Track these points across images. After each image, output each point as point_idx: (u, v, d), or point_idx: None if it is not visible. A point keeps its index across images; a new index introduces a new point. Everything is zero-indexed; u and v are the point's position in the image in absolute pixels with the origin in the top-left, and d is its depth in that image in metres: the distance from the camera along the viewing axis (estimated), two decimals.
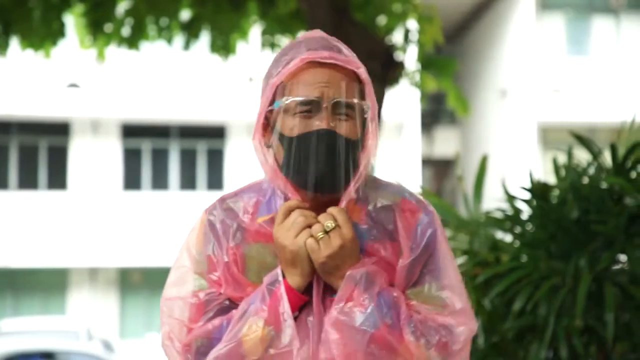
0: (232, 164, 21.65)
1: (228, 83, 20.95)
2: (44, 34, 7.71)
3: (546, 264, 3.50)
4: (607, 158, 3.63)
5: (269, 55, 8.80)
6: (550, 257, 3.54)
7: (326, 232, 1.84)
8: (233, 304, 1.90)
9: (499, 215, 3.84)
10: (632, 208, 3.45)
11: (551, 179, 3.80)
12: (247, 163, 21.39)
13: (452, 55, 17.70)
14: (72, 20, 8.41)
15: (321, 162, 1.85)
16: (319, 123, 1.85)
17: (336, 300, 1.83)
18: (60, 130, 21.47)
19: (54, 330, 15.56)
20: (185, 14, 8.28)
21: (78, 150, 21.39)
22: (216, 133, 21.80)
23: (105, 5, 7.80)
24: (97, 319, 20.93)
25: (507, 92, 20.87)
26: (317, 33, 1.97)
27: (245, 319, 1.83)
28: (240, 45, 8.56)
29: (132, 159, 21.67)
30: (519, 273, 3.47)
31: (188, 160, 21.78)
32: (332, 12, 7.05)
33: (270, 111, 1.92)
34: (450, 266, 1.95)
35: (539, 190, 3.63)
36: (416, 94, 9.20)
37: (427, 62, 8.62)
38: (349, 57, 1.90)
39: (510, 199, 3.77)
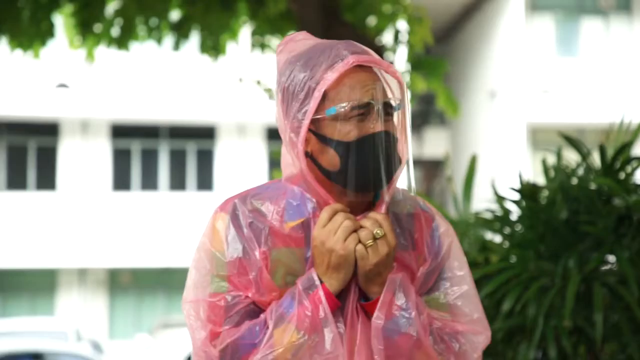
0: (221, 164, 21.63)
1: (218, 83, 20.93)
2: (33, 34, 7.69)
3: (535, 264, 3.51)
4: (596, 159, 3.64)
5: (259, 56, 8.81)
6: (539, 257, 3.55)
7: (374, 239, 1.83)
8: (258, 308, 1.87)
9: (488, 215, 3.85)
10: (620, 209, 3.46)
11: (540, 180, 3.81)
12: (237, 163, 21.38)
13: (442, 56, 17.72)
14: (61, 21, 8.39)
15: (381, 162, 1.85)
16: (373, 126, 1.85)
17: (379, 305, 1.83)
18: (49, 130, 21.41)
19: (43, 331, 15.51)
20: (174, 14, 8.27)
21: (67, 151, 21.34)
22: (206, 133, 21.78)
23: (94, 5, 7.78)
24: (86, 319, 20.88)
25: (497, 93, 20.90)
26: (348, 41, 1.95)
27: (285, 325, 1.81)
28: (230, 46, 8.56)
29: (121, 159, 21.63)
30: (508, 273, 3.47)
31: (178, 161, 21.75)
32: (322, 13, 7.05)
33: (314, 118, 1.87)
34: (467, 275, 1.98)
35: (528, 191, 3.64)
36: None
37: (417, 63, 8.63)
38: (386, 61, 1.91)
39: (500, 199, 3.77)
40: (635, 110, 13.38)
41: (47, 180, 21.39)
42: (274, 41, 8.48)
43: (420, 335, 1.83)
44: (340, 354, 1.81)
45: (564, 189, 3.55)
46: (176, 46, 8.22)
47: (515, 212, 3.74)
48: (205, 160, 21.82)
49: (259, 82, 8.32)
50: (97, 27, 7.96)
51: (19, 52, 7.90)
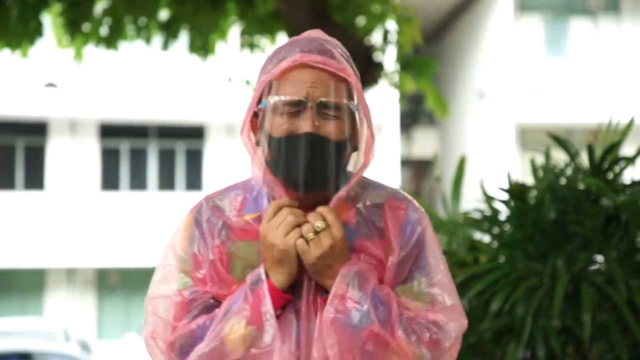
0: (211, 164, 21.60)
1: (207, 83, 20.90)
2: (21, 34, 7.66)
3: (524, 264, 3.51)
4: (584, 159, 3.65)
5: (248, 56, 8.80)
6: (528, 257, 3.55)
7: (316, 233, 1.84)
8: (217, 302, 1.90)
9: (477, 215, 3.86)
10: (608, 209, 3.47)
11: (529, 180, 3.82)
12: (226, 163, 21.36)
13: (431, 56, 17.74)
14: (49, 20, 8.37)
15: (305, 163, 1.85)
16: (304, 123, 1.86)
17: (330, 299, 1.83)
18: (37, 130, 21.35)
19: (31, 331, 15.47)
20: (163, 14, 8.26)
21: (55, 150, 21.28)
22: (195, 133, 21.75)
23: (83, 4, 7.76)
24: (75, 319, 20.83)
25: (486, 93, 20.94)
26: (316, 33, 1.98)
27: (228, 318, 1.83)
28: (219, 46, 8.54)
29: (110, 159, 21.57)
30: (497, 273, 3.48)
31: (166, 161, 21.72)
32: (311, 13, 7.05)
33: (260, 109, 1.92)
34: (440, 263, 1.96)
35: (516, 191, 3.65)
36: (395, 94, 9.22)
37: (406, 63, 8.64)
38: (341, 64, 1.91)
39: (488, 199, 3.78)
40: (624, 110, 13.42)
41: (35, 180, 21.32)
42: (263, 41, 8.48)
43: (376, 328, 1.82)
44: (277, 349, 1.81)
45: (552, 189, 3.55)
46: (165, 46, 8.20)
47: (503, 212, 3.74)
48: (195, 160, 21.78)
49: (248, 82, 8.31)
50: (86, 27, 7.94)
51: (7, 51, 7.88)
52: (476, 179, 5.03)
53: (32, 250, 20.67)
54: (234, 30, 8.85)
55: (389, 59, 8.48)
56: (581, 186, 3.56)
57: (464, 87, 22.24)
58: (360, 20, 8.19)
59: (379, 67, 7.73)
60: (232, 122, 21.37)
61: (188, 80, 21.08)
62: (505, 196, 3.68)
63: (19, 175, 21.32)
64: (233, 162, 21.41)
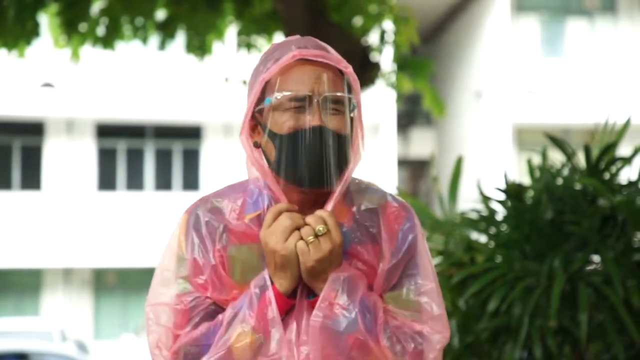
0: (207, 164, 21.59)
1: (204, 83, 20.89)
2: (18, 34, 7.65)
3: (521, 264, 3.51)
4: (581, 159, 3.65)
5: (245, 56, 8.79)
6: (525, 257, 3.56)
7: (316, 236, 1.83)
8: (219, 307, 1.89)
9: (474, 216, 3.86)
10: (605, 209, 3.47)
11: (526, 180, 3.82)
12: (223, 163, 21.34)
13: (428, 56, 17.74)
14: (46, 20, 8.36)
15: (315, 158, 1.84)
16: (310, 118, 1.85)
17: (318, 303, 1.83)
18: (34, 130, 21.32)
19: (28, 331, 15.45)
20: (160, 14, 8.25)
21: (52, 150, 21.26)
22: (192, 133, 21.73)
23: (79, 4, 7.75)
24: (71, 319, 20.81)
25: (482, 93, 20.95)
26: (307, 37, 1.98)
27: (234, 326, 1.82)
28: (216, 46, 8.54)
29: (106, 159, 21.56)
30: (494, 273, 3.48)
31: (163, 161, 21.70)
32: (308, 13, 7.05)
33: (259, 109, 1.90)
34: (430, 272, 1.95)
35: (513, 191, 3.65)
36: (392, 94, 9.22)
37: (403, 63, 8.64)
38: (339, 57, 1.91)
39: (485, 199, 3.78)
40: (620, 110, 13.43)
41: (32, 180, 21.29)
42: (259, 41, 8.47)
43: (362, 335, 1.82)
44: (284, 356, 1.81)
45: (549, 189, 3.56)
46: (162, 46, 8.20)
47: (500, 212, 3.74)
48: (191, 160, 21.77)
49: (245, 82, 8.30)
50: (83, 27, 7.93)
51: (3, 51, 7.87)
52: (473, 179, 5.03)
53: (29, 250, 20.65)
54: (231, 30, 8.85)
55: (386, 59, 8.48)
56: (578, 186, 3.57)
57: (461, 87, 22.25)
58: (357, 20, 8.20)
59: (376, 67, 7.74)
60: (229, 122, 21.36)
61: (185, 81, 21.06)
62: (502, 196, 3.68)
63: (16, 175, 21.29)
64: (230, 162, 21.40)
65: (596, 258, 3.55)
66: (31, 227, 20.72)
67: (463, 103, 22.00)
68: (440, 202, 4.19)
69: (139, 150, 21.62)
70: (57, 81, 20.73)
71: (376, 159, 21.63)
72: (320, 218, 1.84)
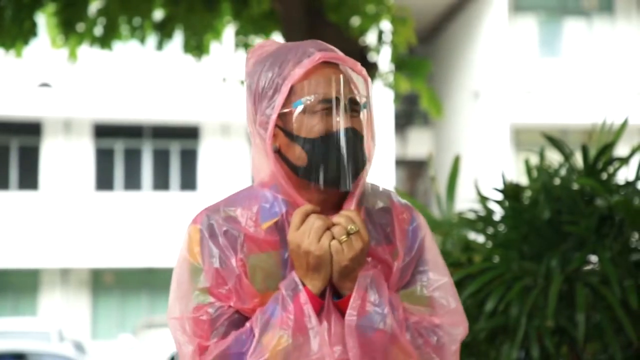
0: (205, 164, 21.59)
1: (201, 83, 20.89)
2: (16, 34, 7.64)
3: (518, 264, 3.51)
4: (578, 159, 3.65)
5: (243, 56, 8.78)
6: (522, 257, 3.56)
7: (347, 235, 1.84)
8: (243, 316, 1.87)
9: (471, 216, 3.86)
10: (602, 209, 3.47)
11: (523, 180, 3.82)
12: (221, 163, 21.34)
13: (426, 56, 17.76)
14: (43, 20, 8.35)
15: (351, 160, 1.86)
16: (339, 122, 1.86)
17: (351, 302, 1.84)
18: (32, 130, 21.32)
19: (25, 332, 15.45)
20: (158, 14, 8.25)
21: (50, 150, 21.25)
22: (189, 133, 21.73)
23: (77, 4, 7.75)
24: (69, 320, 20.80)
25: (480, 93, 20.96)
26: (314, 40, 1.98)
27: (271, 330, 1.81)
28: (213, 46, 8.54)
29: (104, 159, 21.55)
30: (491, 274, 3.48)
31: (161, 161, 21.70)
32: (306, 13, 7.05)
33: (281, 114, 1.89)
34: (441, 267, 1.98)
35: (511, 191, 3.65)
36: (390, 95, 9.23)
37: (401, 63, 8.64)
38: (349, 58, 1.93)
39: (483, 199, 3.78)
40: (618, 110, 13.43)
41: (29, 180, 21.29)
42: (257, 41, 8.46)
43: (394, 330, 1.84)
44: (327, 354, 1.81)
45: (546, 189, 3.56)
46: (159, 46, 8.19)
47: (498, 212, 3.74)
48: (189, 160, 21.77)
49: (242, 82, 8.29)
50: (80, 27, 7.92)
51: (1, 51, 7.86)
52: (471, 179, 5.03)
53: (27, 250, 20.64)
54: (229, 31, 8.85)
55: (383, 59, 8.49)
56: (575, 186, 3.56)
57: (459, 87, 22.26)
58: (355, 21, 8.19)
59: (373, 67, 7.74)
60: (226, 122, 21.36)
61: (183, 81, 21.06)
62: (500, 196, 3.68)
63: (13, 175, 21.28)
64: (228, 162, 21.40)
65: (594, 258, 3.55)
66: (29, 227, 20.71)
67: (461, 103, 22.01)
68: (438, 202, 4.19)
69: (137, 150, 21.62)
70: (55, 81, 20.72)
71: (374, 159, 21.61)
72: (349, 217, 1.85)
